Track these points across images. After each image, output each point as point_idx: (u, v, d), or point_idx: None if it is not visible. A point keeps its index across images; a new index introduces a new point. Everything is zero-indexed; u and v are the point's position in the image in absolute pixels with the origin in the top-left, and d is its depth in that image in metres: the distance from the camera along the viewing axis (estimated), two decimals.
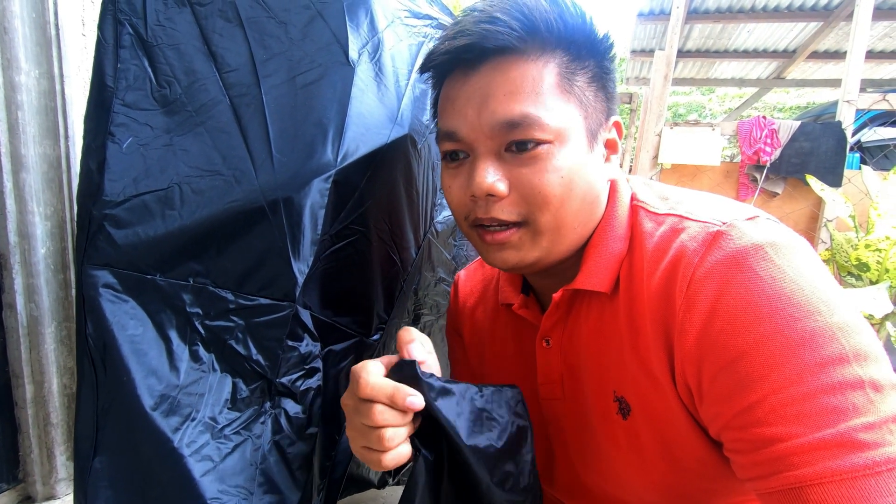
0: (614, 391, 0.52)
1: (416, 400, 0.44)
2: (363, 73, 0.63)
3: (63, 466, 1.20)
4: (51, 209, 1.13)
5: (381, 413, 0.43)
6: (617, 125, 0.54)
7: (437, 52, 0.51)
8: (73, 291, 1.13)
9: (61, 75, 1.11)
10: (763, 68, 5.24)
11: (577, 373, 0.56)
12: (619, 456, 0.54)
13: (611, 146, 0.54)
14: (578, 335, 0.55)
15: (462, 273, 0.77)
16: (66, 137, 1.13)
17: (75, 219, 1.06)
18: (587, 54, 0.50)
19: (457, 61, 0.50)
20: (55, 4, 1.08)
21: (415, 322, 0.79)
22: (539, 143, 0.47)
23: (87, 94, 0.83)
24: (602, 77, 0.52)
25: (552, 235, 0.50)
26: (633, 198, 0.55)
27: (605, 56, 0.52)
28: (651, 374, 0.48)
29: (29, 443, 1.17)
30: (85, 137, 0.60)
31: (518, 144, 0.48)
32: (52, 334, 1.14)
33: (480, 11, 0.48)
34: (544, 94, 0.47)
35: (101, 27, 0.62)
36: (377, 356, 0.67)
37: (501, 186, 0.49)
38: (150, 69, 0.61)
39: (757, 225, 0.43)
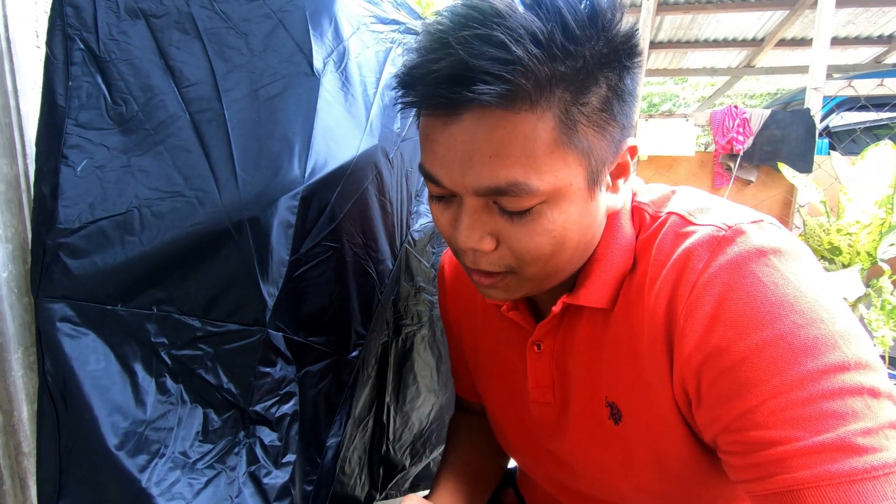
0: (606, 397, 0.52)
1: None
2: (329, 84, 0.62)
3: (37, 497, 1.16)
4: (11, 231, 1.08)
5: None
6: (631, 149, 0.48)
7: (408, 92, 0.43)
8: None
9: (15, 90, 1.06)
10: (733, 57, 5.33)
11: (568, 378, 0.56)
12: (610, 461, 0.53)
13: (620, 171, 0.48)
14: (572, 342, 0.54)
15: (445, 260, 0.73)
16: (24, 155, 1.08)
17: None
18: (601, 70, 0.41)
19: (432, 106, 0.43)
20: (5, 17, 1.03)
21: (396, 333, 0.78)
22: (529, 207, 0.43)
23: None
24: (616, 102, 0.43)
25: (539, 281, 0.48)
26: (633, 198, 0.53)
27: (625, 65, 0.43)
28: (645, 380, 0.47)
29: (1, 474, 1.12)
30: (37, 161, 0.58)
31: (507, 204, 0.43)
32: (20, 360, 1.10)
33: (449, 56, 0.39)
34: (537, 157, 0.41)
35: (49, 43, 0.59)
36: (356, 374, 0.66)
37: (486, 244, 0.45)
38: (103, 86, 0.59)
39: (762, 230, 0.43)
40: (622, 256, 0.50)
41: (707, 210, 0.47)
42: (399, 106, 0.47)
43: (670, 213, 0.48)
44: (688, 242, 0.44)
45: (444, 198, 0.48)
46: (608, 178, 0.47)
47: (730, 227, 0.43)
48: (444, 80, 0.39)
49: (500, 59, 0.37)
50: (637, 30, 0.43)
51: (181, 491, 0.47)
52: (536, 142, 0.40)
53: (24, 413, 1.12)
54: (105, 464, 0.46)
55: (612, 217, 0.51)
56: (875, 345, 1.79)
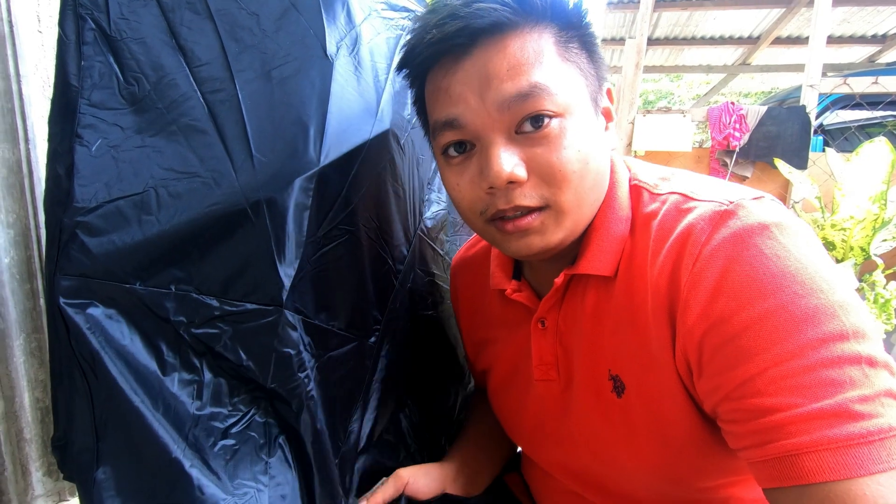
0: (609, 370, 0.53)
1: None
2: (342, 68, 0.62)
3: (39, 483, 1.15)
4: (13, 216, 1.07)
5: None
6: (608, 93, 0.54)
7: (422, 43, 0.48)
8: (42, 302, 1.08)
9: (17, 75, 1.05)
10: (729, 54, 5.35)
11: (572, 354, 0.57)
12: (612, 435, 0.54)
13: (606, 114, 0.53)
14: (574, 316, 0.55)
15: (455, 258, 0.77)
16: (27, 140, 1.07)
17: (41, 227, 1.01)
18: (572, 23, 0.50)
19: (446, 49, 0.48)
20: (7, 1, 1.02)
21: (411, 320, 0.78)
22: (551, 117, 0.46)
23: (46, 94, 0.78)
24: (589, 43, 0.51)
25: (575, 215, 0.49)
26: (632, 178, 0.55)
27: (585, 22, 0.51)
28: (649, 352, 0.48)
29: (2, 460, 1.12)
30: (50, 141, 0.57)
31: (532, 120, 0.46)
32: (21, 346, 1.09)
33: None
34: (547, 64, 0.46)
35: (61, 23, 0.59)
36: (375, 359, 0.67)
37: (521, 171, 0.47)
38: (115, 65, 0.58)
39: (763, 205, 0.44)
40: (619, 225, 0.52)
41: (708, 188, 0.48)
42: (409, 76, 0.53)
43: (672, 192, 0.50)
44: (690, 217, 0.46)
45: (459, 154, 0.50)
46: (601, 116, 0.52)
47: (731, 202, 0.44)
48: (461, 6, 0.45)
49: None
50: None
51: (217, 456, 0.48)
52: (543, 52, 0.46)
53: (26, 400, 1.11)
54: (141, 431, 0.46)
55: (610, 188, 0.53)
56: None
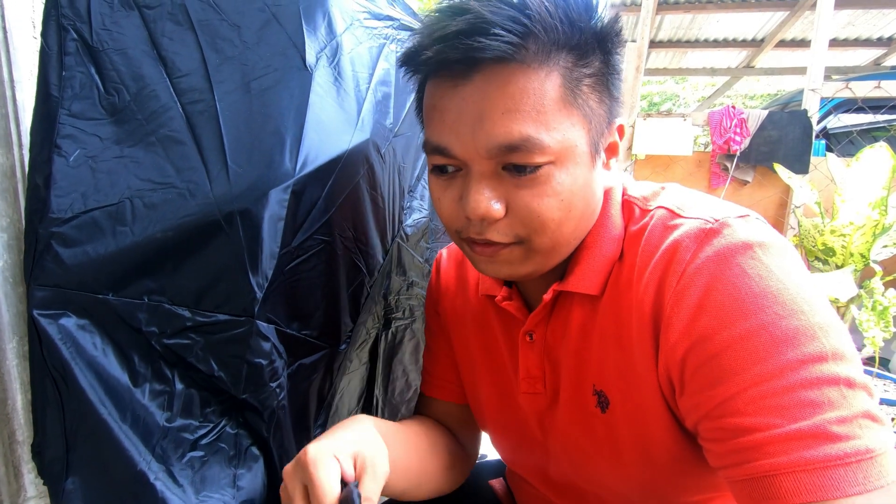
0: (594, 385, 0.53)
1: None
2: (321, 79, 0.62)
3: (32, 485, 1.16)
4: (6, 220, 1.08)
5: None
6: (620, 128, 0.51)
7: (422, 52, 0.45)
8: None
9: (11, 80, 1.06)
10: (733, 57, 5.33)
11: (559, 368, 0.57)
12: (596, 449, 0.54)
13: (611, 150, 0.51)
14: (562, 331, 0.55)
15: (444, 252, 0.75)
16: (20, 146, 1.08)
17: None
18: (593, 50, 0.46)
19: (446, 68, 0.45)
20: (2, 6, 1.03)
21: (385, 327, 0.79)
22: (539, 165, 0.44)
23: None
24: (607, 76, 0.48)
25: (546, 254, 0.49)
26: (623, 192, 0.55)
27: (612, 50, 0.47)
28: (633, 368, 0.49)
29: None
30: (31, 151, 0.58)
31: (517, 167, 0.45)
32: (14, 349, 1.10)
33: (468, 13, 0.42)
34: (546, 112, 0.43)
35: (44, 34, 0.59)
36: (343, 363, 0.67)
37: (497, 209, 0.46)
38: (97, 76, 0.59)
39: (748, 224, 0.44)
40: (611, 245, 0.51)
41: (695, 205, 0.48)
42: (409, 76, 0.51)
43: (659, 207, 0.50)
44: (676, 234, 0.46)
45: (447, 172, 0.49)
46: (603, 154, 0.50)
47: (717, 221, 0.44)
48: (462, 34, 0.42)
49: (519, 11, 0.42)
50: (618, 18, 0.47)
51: (182, 469, 0.48)
52: (546, 97, 0.43)
53: (19, 402, 1.12)
54: (108, 443, 0.47)
55: (603, 207, 0.53)
56: (866, 344, 1.80)
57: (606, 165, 0.51)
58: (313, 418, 0.61)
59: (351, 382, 0.71)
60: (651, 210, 0.51)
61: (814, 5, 2.96)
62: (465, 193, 0.47)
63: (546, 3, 0.42)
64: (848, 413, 0.37)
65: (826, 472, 0.36)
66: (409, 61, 0.48)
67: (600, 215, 0.53)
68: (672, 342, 0.43)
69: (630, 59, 3.21)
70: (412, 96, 0.65)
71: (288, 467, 0.46)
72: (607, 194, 0.54)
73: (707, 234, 0.44)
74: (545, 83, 0.43)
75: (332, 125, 0.62)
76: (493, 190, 0.46)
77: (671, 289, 0.44)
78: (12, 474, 1.16)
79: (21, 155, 1.09)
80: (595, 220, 0.52)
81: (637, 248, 0.49)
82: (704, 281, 0.42)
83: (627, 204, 0.54)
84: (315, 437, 0.61)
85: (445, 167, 0.49)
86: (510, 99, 0.43)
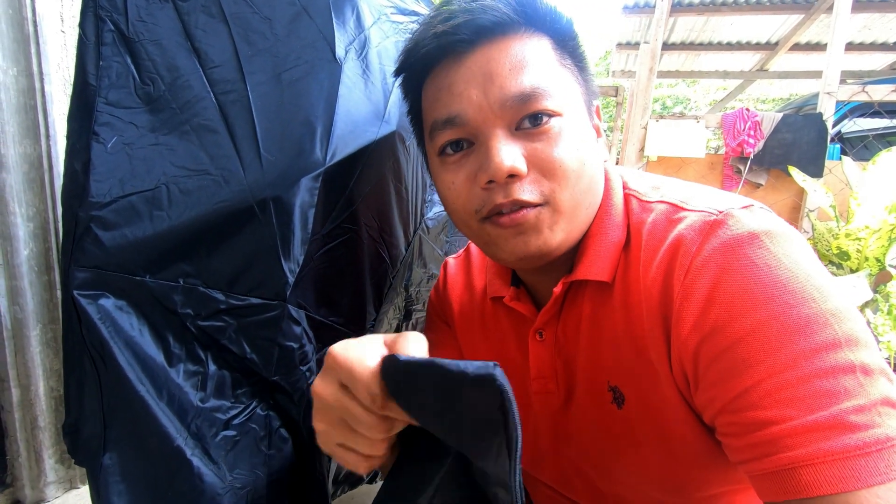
0: (608, 381, 0.52)
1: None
2: (350, 71, 0.63)
3: (52, 470, 1.19)
4: (33, 210, 1.11)
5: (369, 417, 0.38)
6: (597, 110, 0.56)
7: (426, 37, 0.49)
8: (59, 293, 1.12)
9: (40, 73, 1.09)
10: (746, 60, 5.29)
11: (571, 365, 0.56)
12: (614, 446, 0.54)
13: (596, 130, 0.55)
14: (573, 327, 0.55)
15: (450, 260, 0.75)
16: (48, 136, 1.11)
17: (59, 220, 1.04)
18: (565, 39, 0.52)
19: (451, 44, 0.48)
20: (32, 1, 1.06)
21: (406, 318, 0.80)
22: (550, 116, 0.47)
23: (67, 91, 0.80)
24: (580, 61, 0.53)
25: (570, 216, 0.49)
26: (624, 186, 0.55)
27: (577, 41, 0.53)
28: (647, 363, 0.48)
29: (16, 447, 1.15)
30: (69, 138, 0.59)
31: (531, 118, 0.47)
32: (38, 337, 1.13)
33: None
34: (548, 67, 0.48)
35: (82, 25, 0.61)
36: None
37: (522, 164, 0.47)
38: (132, 66, 0.60)
39: (752, 213, 0.44)
40: (615, 231, 0.52)
41: (697, 197, 0.48)
42: (406, 81, 0.54)
43: (661, 201, 0.50)
44: (680, 227, 0.46)
45: (458, 151, 0.50)
46: (593, 128, 0.53)
47: (720, 212, 0.44)
48: (461, 11, 0.47)
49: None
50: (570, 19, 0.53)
51: (216, 447, 0.50)
52: (544, 56, 0.48)
53: (41, 388, 1.15)
54: (145, 420, 0.48)
55: (605, 193, 0.54)
56: (881, 349, 1.79)
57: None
58: None
59: None
60: (652, 203, 0.51)
61: (830, 8, 2.94)
62: (484, 159, 0.48)
63: None
64: (865, 401, 0.36)
65: (846, 463, 0.35)
66: (411, 59, 0.52)
67: (603, 202, 0.53)
68: (683, 336, 0.43)
69: (643, 61, 3.20)
70: None
71: (316, 380, 0.42)
72: (607, 184, 0.55)
73: (712, 226, 0.43)
74: (540, 45, 0.49)
75: (360, 116, 0.63)
76: (514, 147, 0.48)
77: (679, 282, 0.44)
78: (34, 459, 1.18)
79: (48, 146, 1.12)
80: (600, 196, 0.53)
81: (640, 241, 0.49)
82: (713, 273, 0.42)
83: (628, 198, 0.54)
84: None
85: (458, 142, 0.50)
86: (514, 57, 0.47)
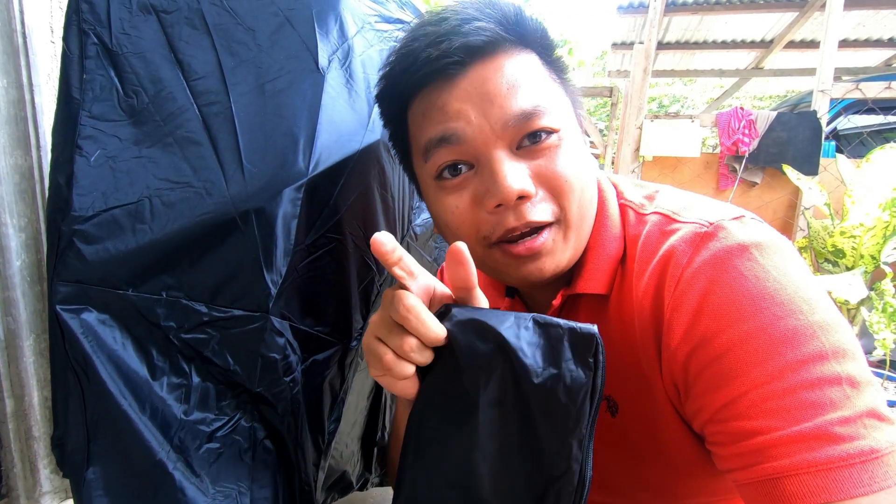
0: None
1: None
2: (333, 80, 0.63)
3: (47, 480, 1.19)
4: (25, 220, 1.11)
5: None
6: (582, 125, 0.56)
7: (414, 65, 0.47)
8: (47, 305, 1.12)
9: (30, 84, 1.09)
10: (742, 59, 5.30)
11: None
12: (607, 453, 0.54)
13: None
14: None
15: (442, 268, 0.76)
16: (38, 147, 1.11)
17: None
18: (550, 53, 0.52)
19: (443, 67, 0.46)
20: (21, 12, 1.06)
21: None
22: (550, 132, 0.47)
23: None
24: (564, 75, 0.53)
25: (578, 228, 0.50)
26: (619, 196, 0.55)
27: (559, 57, 0.53)
28: (640, 373, 0.49)
29: (11, 457, 1.15)
30: (53, 151, 0.60)
31: (531, 136, 0.47)
32: (31, 347, 1.12)
33: (454, 14, 0.47)
34: (542, 84, 0.48)
35: (65, 38, 0.61)
36: (355, 360, 0.68)
37: (531, 185, 0.46)
38: (116, 79, 0.61)
39: (743, 225, 0.44)
40: (613, 244, 0.52)
41: (689, 208, 0.48)
42: (390, 105, 0.53)
43: (654, 212, 0.50)
44: (672, 239, 0.46)
45: (456, 175, 0.48)
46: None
47: (711, 224, 0.44)
48: (451, 33, 0.46)
49: (494, 7, 0.48)
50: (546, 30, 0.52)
51: (199, 460, 0.50)
52: (538, 73, 0.48)
53: (35, 399, 1.15)
54: (128, 434, 0.48)
55: (600, 207, 0.54)
56: (876, 347, 1.79)
57: None
58: (327, 414, 0.62)
59: (361, 379, 0.72)
60: (647, 214, 0.51)
61: (823, 6, 2.95)
62: (491, 183, 0.46)
63: (512, 8, 0.49)
64: (851, 413, 0.36)
65: (830, 474, 0.35)
66: (397, 83, 0.49)
67: (599, 215, 0.53)
68: (673, 347, 0.44)
69: (637, 62, 3.21)
70: None
71: (369, 330, 0.43)
72: (601, 195, 0.54)
73: (702, 238, 0.44)
74: (530, 62, 0.48)
75: (344, 126, 0.63)
76: (520, 167, 0.47)
77: (670, 294, 0.44)
78: (28, 469, 1.18)
79: (39, 157, 1.12)
80: (593, 215, 0.53)
81: (634, 253, 0.49)
82: (702, 285, 0.42)
83: (624, 208, 0.54)
84: (330, 431, 0.63)
85: (456, 166, 0.48)
86: (510, 77, 0.47)
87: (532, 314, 0.41)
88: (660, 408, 0.48)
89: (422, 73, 0.47)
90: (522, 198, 0.46)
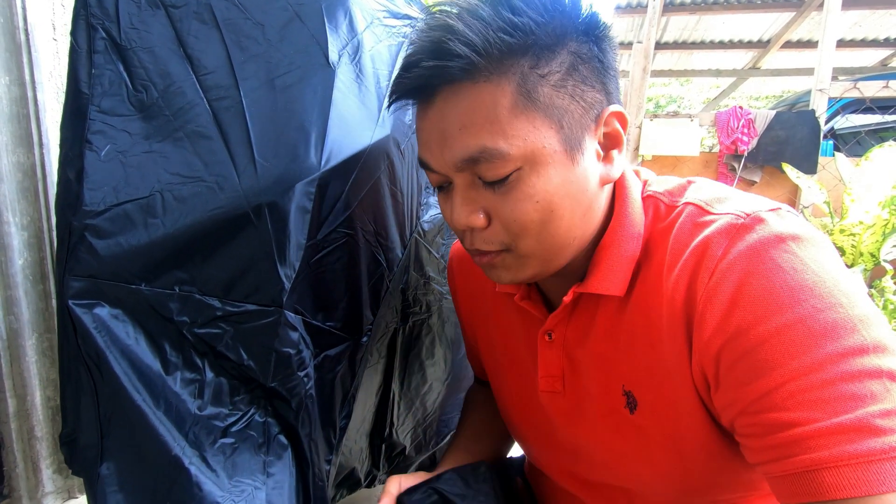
0: (623, 386, 0.52)
1: None
2: (343, 75, 0.63)
3: (49, 480, 1.18)
4: (27, 219, 1.10)
5: None
6: (618, 116, 0.49)
7: (395, 87, 0.49)
8: (54, 302, 1.11)
9: (33, 81, 1.08)
10: (739, 58, 5.33)
11: (579, 368, 0.56)
12: (626, 449, 0.54)
13: (611, 140, 0.49)
14: (585, 331, 0.55)
15: (454, 251, 0.76)
16: (41, 145, 1.10)
17: (54, 229, 1.04)
18: (556, 46, 0.45)
19: (413, 97, 0.49)
20: (24, 9, 1.05)
21: (403, 321, 0.80)
22: (499, 177, 0.45)
23: (60, 100, 0.80)
24: (582, 67, 0.46)
25: (540, 258, 0.49)
26: (644, 189, 0.54)
27: (584, 39, 0.46)
28: (664, 368, 0.48)
29: (13, 458, 1.15)
30: (62, 147, 0.59)
31: (481, 177, 0.46)
32: (34, 346, 1.12)
33: (420, 47, 0.45)
34: (501, 121, 0.44)
35: (73, 33, 0.61)
36: (363, 358, 0.68)
37: (478, 219, 0.48)
38: (125, 73, 0.60)
39: (780, 217, 0.43)
40: (630, 243, 0.50)
41: (724, 200, 0.47)
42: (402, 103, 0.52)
43: (687, 203, 0.49)
44: (707, 231, 0.45)
45: (442, 187, 0.51)
46: (597, 146, 0.49)
47: (748, 215, 0.44)
48: (424, 57, 0.45)
49: (467, 31, 0.43)
50: (580, 8, 0.47)
51: (214, 454, 0.50)
52: (497, 107, 0.44)
53: (38, 398, 1.14)
54: (143, 429, 0.48)
55: (619, 205, 0.52)
56: None
57: (606, 158, 0.50)
58: (338, 409, 0.62)
59: (369, 375, 0.72)
60: (679, 206, 0.50)
61: (821, 6, 2.96)
62: (451, 207, 0.49)
63: (490, 19, 0.43)
64: (892, 406, 0.36)
65: (871, 467, 0.35)
66: (392, 90, 0.51)
67: (616, 213, 0.52)
68: (706, 338, 0.43)
69: (637, 61, 3.22)
70: None
71: None
72: (622, 191, 0.53)
73: (739, 230, 0.43)
74: (495, 95, 0.44)
75: (354, 121, 0.63)
76: (473, 202, 0.48)
77: (703, 285, 0.43)
78: (31, 470, 1.18)
79: (42, 155, 1.12)
80: (600, 216, 0.51)
81: (666, 246, 0.48)
82: (737, 276, 0.41)
83: (652, 200, 0.52)
84: (341, 428, 0.63)
85: (441, 184, 0.51)
86: (464, 115, 0.45)
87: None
88: (684, 402, 0.47)
89: (400, 94, 0.49)
90: (473, 227, 0.48)
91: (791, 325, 0.39)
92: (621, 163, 0.51)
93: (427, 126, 0.48)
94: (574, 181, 0.47)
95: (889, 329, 0.40)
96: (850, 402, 0.36)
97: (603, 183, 0.50)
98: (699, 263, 0.44)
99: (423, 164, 0.51)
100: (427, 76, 0.45)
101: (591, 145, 0.48)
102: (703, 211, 0.47)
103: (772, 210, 0.44)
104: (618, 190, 0.53)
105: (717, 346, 0.42)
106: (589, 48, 0.46)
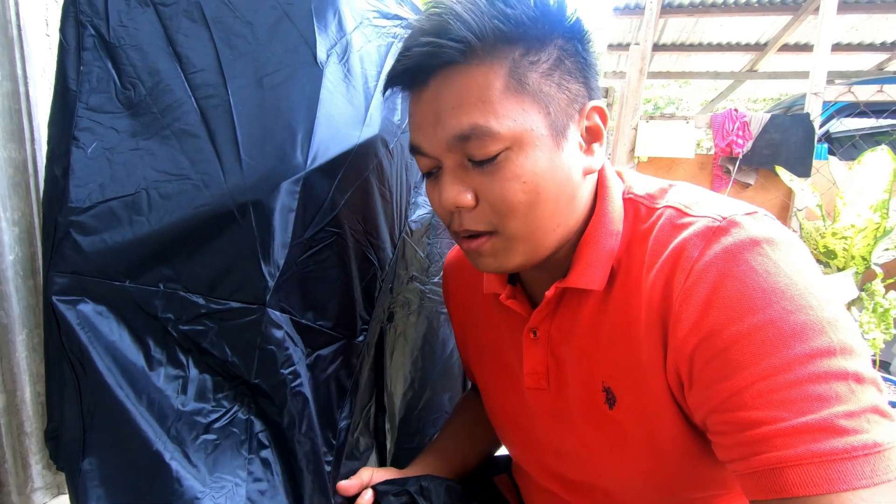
0: (602, 382, 0.53)
1: None
2: (332, 75, 0.63)
3: (39, 476, 1.18)
4: (18, 214, 1.10)
5: None
6: (598, 111, 0.51)
7: (391, 72, 0.51)
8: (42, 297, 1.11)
9: (25, 77, 1.08)
10: (736, 61, 5.34)
11: (563, 364, 0.57)
12: (604, 445, 0.55)
13: (592, 134, 0.52)
14: (568, 328, 0.56)
15: (448, 257, 0.78)
16: (33, 140, 1.10)
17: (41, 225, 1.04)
18: (545, 40, 0.48)
19: (409, 80, 0.50)
20: (17, 5, 1.05)
21: (389, 320, 0.80)
22: (489, 155, 0.47)
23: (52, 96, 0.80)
24: (567, 62, 0.49)
25: (526, 242, 0.50)
26: (626, 191, 0.55)
27: (569, 38, 0.49)
28: (641, 366, 0.49)
29: (3, 453, 1.15)
30: (49, 143, 0.59)
31: (470, 157, 0.48)
32: (24, 342, 1.12)
33: (420, 30, 0.48)
34: (493, 101, 0.46)
35: (62, 30, 0.61)
36: (362, 358, 0.68)
37: (466, 198, 0.49)
38: (113, 71, 0.60)
39: (756, 221, 0.45)
40: (609, 239, 0.52)
41: (703, 203, 0.49)
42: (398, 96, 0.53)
43: (667, 206, 0.50)
44: (685, 233, 0.46)
45: (431, 173, 0.53)
46: (580, 138, 0.51)
47: (725, 218, 0.45)
48: (419, 44, 0.47)
49: (460, 19, 0.46)
50: (566, 11, 0.50)
51: (198, 450, 0.50)
52: (489, 88, 0.46)
53: (27, 394, 1.14)
54: (125, 424, 0.48)
55: (600, 201, 0.54)
56: (867, 347, 1.80)
57: (588, 150, 0.52)
58: (337, 409, 0.62)
59: (367, 374, 0.72)
60: (658, 209, 0.51)
61: (817, 9, 2.98)
62: (440, 188, 0.51)
63: (485, 8, 0.46)
64: (856, 407, 0.37)
65: (833, 465, 0.36)
66: (388, 79, 0.53)
67: (598, 210, 0.53)
68: (681, 338, 0.44)
69: (633, 63, 3.22)
70: None
71: None
72: (603, 190, 0.54)
73: (715, 232, 0.44)
74: (488, 76, 0.46)
75: (341, 120, 0.63)
76: (462, 181, 0.49)
77: (679, 286, 0.44)
78: (20, 465, 1.18)
79: (33, 150, 1.12)
80: (582, 209, 0.53)
81: (646, 246, 0.49)
82: (713, 278, 0.43)
83: (631, 202, 0.54)
84: (340, 428, 0.63)
85: (431, 169, 0.53)
86: (457, 95, 0.47)
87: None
88: (660, 400, 0.49)
89: (399, 80, 0.51)
90: (462, 207, 0.50)
91: (762, 327, 0.40)
92: (601, 156, 0.53)
93: (421, 109, 0.50)
94: (559, 166, 0.49)
95: (857, 332, 0.41)
96: (815, 402, 0.37)
97: (585, 173, 0.52)
98: (676, 265, 0.45)
99: (415, 149, 0.52)
100: (426, 55, 0.46)
101: (575, 135, 0.50)
102: (681, 213, 0.49)
103: (748, 213, 0.45)
104: (599, 188, 0.55)
105: (691, 345, 0.43)
106: (573, 46, 0.50)
